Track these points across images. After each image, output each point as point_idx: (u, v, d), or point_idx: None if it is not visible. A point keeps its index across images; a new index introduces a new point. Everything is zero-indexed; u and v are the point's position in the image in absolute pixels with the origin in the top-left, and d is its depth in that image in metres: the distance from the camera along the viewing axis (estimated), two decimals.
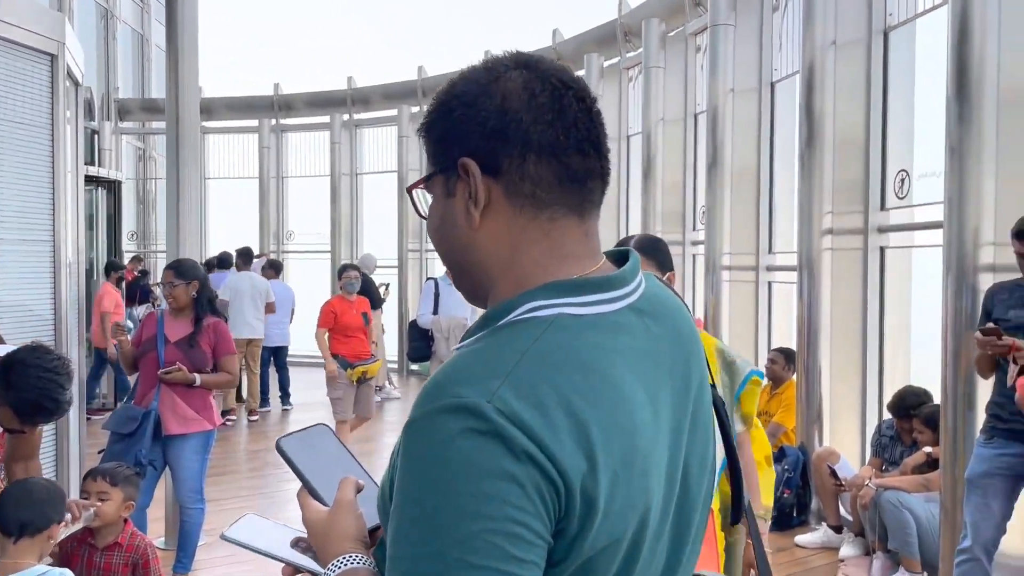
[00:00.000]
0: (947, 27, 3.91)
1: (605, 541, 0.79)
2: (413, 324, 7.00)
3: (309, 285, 12.18)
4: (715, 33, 6.65)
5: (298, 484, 0.99)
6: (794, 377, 5.63)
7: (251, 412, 8.64)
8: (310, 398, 9.17)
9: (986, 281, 3.70)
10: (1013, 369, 3.16)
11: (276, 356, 8.96)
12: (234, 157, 13.29)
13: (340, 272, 6.90)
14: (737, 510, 1.05)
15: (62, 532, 2.60)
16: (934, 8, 4.86)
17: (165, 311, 4.25)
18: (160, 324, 4.16)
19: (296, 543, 0.99)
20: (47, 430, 4.31)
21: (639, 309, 0.89)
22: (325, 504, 0.96)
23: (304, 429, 1.05)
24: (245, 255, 8.87)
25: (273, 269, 9.16)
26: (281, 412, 8.99)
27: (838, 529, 4.98)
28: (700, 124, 7.62)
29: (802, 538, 5.05)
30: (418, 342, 6.88)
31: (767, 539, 2.46)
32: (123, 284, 9.01)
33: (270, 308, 8.61)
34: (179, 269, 4.19)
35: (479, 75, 0.90)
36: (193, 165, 5.06)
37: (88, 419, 7.73)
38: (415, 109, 11.69)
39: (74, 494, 3.62)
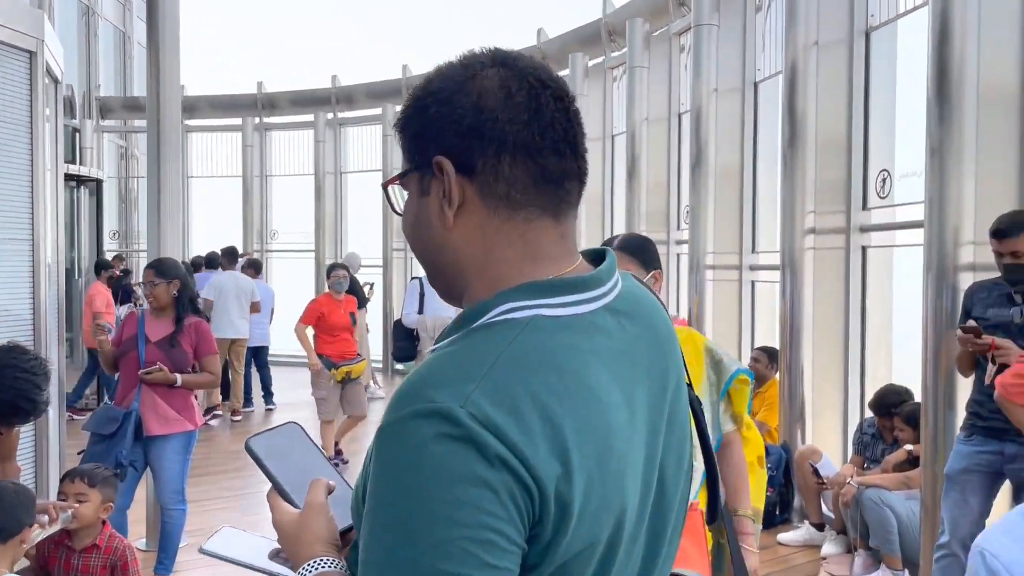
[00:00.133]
0: (928, 28, 3.94)
1: (580, 545, 0.78)
2: (398, 324, 6.98)
3: (293, 285, 12.14)
4: (699, 33, 6.67)
5: None
6: (777, 376, 5.66)
7: (234, 412, 8.60)
8: (294, 398, 9.13)
9: (966, 280, 3.73)
10: (992, 368, 3.19)
11: (257, 356, 8.93)
12: (217, 156, 13.21)
13: (328, 271, 6.87)
14: (713, 510, 1.05)
15: (39, 534, 2.57)
16: (915, 9, 4.90)
17: (146, 311, 4.21)
18: (140, 324, 4.13)
19: (276, 555, 0.98)
20: (26, 431, 4.26)
21: (615, 309, 0.89)
22: (296, 506, 0.95)
23: (274, 428, 1.03)
24: (230, 255, 8.83)
25: (253, 268, 9.11)
26: (265, 412, 8.95)
27: (820, 527, 5.01)
28: (684, 124, 7.64)
29: (785, 536, 5.07)
30: (403, 342, 6.87)
31: (758, 539, 2.44)
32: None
33: (255, 308, 8.57)
34: (160, 268, 4.16)
35: (455, 72, 0.89)
36: (175, 163, 5.02)
37: (71, 419, 7.69)
38: (400, 108, 11.64)
39: (53, 496, 3.58)
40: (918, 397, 4.27)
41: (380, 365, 11.45)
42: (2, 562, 2.29)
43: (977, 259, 3.78)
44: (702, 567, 2.27)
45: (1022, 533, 0.72)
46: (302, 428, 1.06)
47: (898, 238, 5.14)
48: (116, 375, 4.29)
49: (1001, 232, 3.25)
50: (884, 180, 5.13)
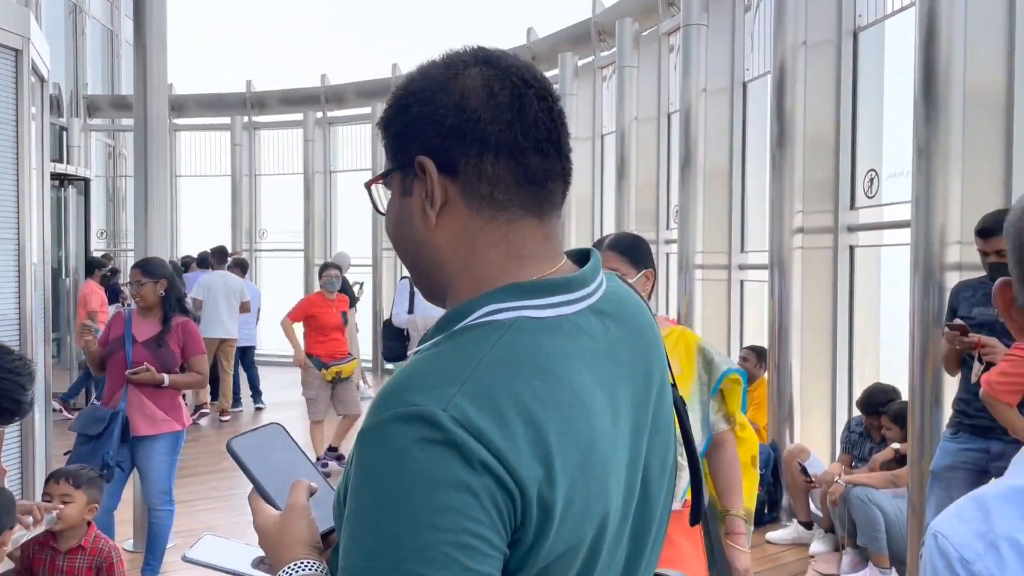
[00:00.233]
0: (915, 28, 3.96)
1: (562, 548, 0.78)
2: (387, 323, 6.96)
3: (282, 284, 12.10)
4: (688, 33, 6.68)
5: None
6: (765, 375, 5.67)
7: (223, 412, 8.57)
8: (284, 398, 9.11)
9: (953, 279, 3.75)
10: (978, 366, 3.21)
11: (243, 356, 8.90)
12: (206, 155, 13.15)
13: (321, 270, 6.85)
14: (696, 511, 1.05)
15: (24, 535, 2.55)
16: (902, 9, 4.92)
17: (133, 310, 4.19)
18: (128, 324, 4.11)
19: (259, 562, 0.97)
20: (12, 432, 4.23)
21: (599, 310, 0.88)
22: (277, 508, 0.94)
23: (256, 429, 1.02)
24: (219, 254, 8.79)
25: (239, 268, 9.07)
26: (254, 411, 8.92)
27: (808, 525, 5.02)
28: (673, 123, 7.65)
29: (773, 535, 5.09)
30: (393, 341, 6.84)
31: (749, 539, 2.44)
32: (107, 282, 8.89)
33: (245, 307, 8.54)
34: (146, 268, 4.13)
35: (438, 71, 0.88)
36: (162, 162, 5.00)
37: (63, 414, 7.64)
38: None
39: (38, 497, 3.55)
40: (905, 396, 4.29)
41: (369, 365, 11.43)
42: None
43: (963, 258, 3.80)
44: (698, 566, 2.27)
45: (971, 516, 0.75)
46: (284, 429, 1.05)
47: (885, 237, 5.16)
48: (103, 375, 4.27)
49: (986, 231, 3.27)
50: (872, 180, 5.15)
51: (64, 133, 11.44)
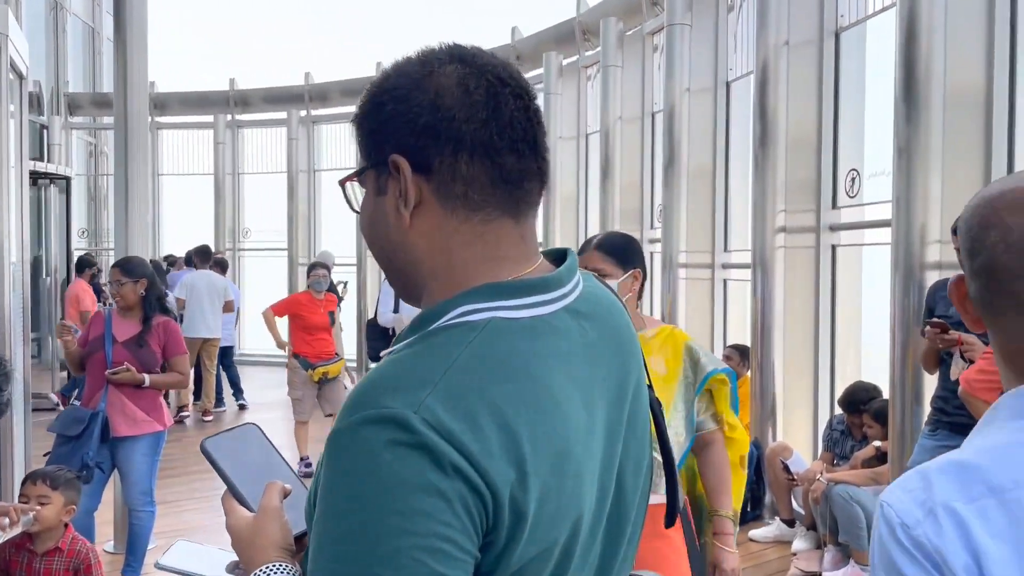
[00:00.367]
0: (895, 29, 3.98)
1: (535, 550, 0.77)
2: (372, 322, 6.93)
3: (266, 283, 12.04)
4: (672, 33, 6.69)
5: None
6: (748, 373, 5.69)
7: (205, 412, 8.52)
8: (268, 398, 9.07)
9: (933, 278, 3.77)
10: (962, 363, 3.23)
11: (223, 356, 8.85)
12: (189, 153, 13.06)
13: (309, 270, 6.81)
14: (671, 513, 1.04)
15: (0, 537, 2.52)
16: (883, 10, 4.94)
17: (113, 310, 4.15)
18: (107, 323, 4.07)
19: (234, 568, 0.96)
20: None
21: (575, 310, 0.88)
22: (251, 509, 0.93)
23: (231, 429, 1.01)
24: (203, 253, 8.73)
25: (219, 267, 9.01)
26: (237, 410, 8.87)
27: (791, 523, 5.05)
28: (657, 123, 7.67)
29: (756, 532, 5.11)
30: (377, 341, 6.82)
31: (735, 539, 2.44)
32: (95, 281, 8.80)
33: (228, 307, 8.49)
34: (126, 267, 4.10)
35: (413, 68, 0.87)
36: (142, 160, 4.96)
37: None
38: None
39: (16, 498, 3.52)
40: (886, 394, 4.32)
41: (354, 364, 11.39)
42: None
43: (943, 257, 3.83)
44: (676, 566, 2.26)
45: (914, 487, 0.81)
46: (260, 429, 1.04)
47: (867, 237, 5.20)
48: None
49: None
50: (853, 179, 5.18)
51: (45, 131, 11.34)
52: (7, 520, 2.49)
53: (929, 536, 0.78)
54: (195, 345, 7.96)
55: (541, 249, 0.94)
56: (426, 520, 0.71)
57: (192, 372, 7.86)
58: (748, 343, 5.75)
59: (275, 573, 0.86)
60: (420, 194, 0.86)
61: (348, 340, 10.61)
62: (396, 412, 0.73)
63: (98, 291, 9.26)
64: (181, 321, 7.68)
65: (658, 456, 1.06)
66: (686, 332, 2.52)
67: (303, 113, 12.32)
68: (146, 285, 4.07)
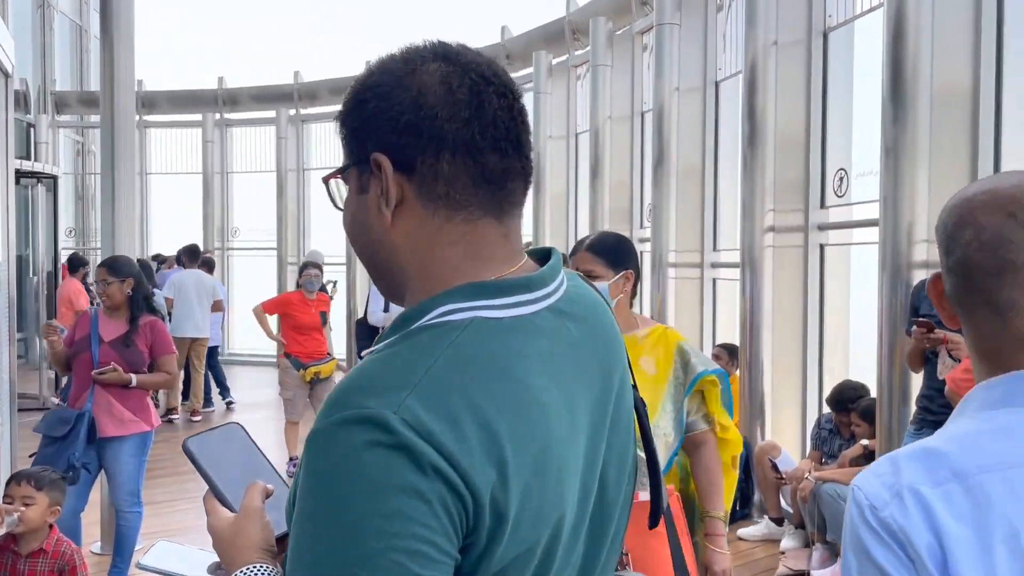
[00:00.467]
0: (883, 29, 4.00)
1: (516, 551, 0.77)
2: (361, 322, 6.92)
3: (255, 283, 11.99)
4: (661, 32, 6.70)
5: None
6: (737, 372, 5.71)
7: (193, 412, 8.48)
8: (258, 397, 9.04)
9: (920, 277, 3.79)
10: (949, 362, 3.24)
11: (208, 356, 8.82)
12: (177, 152, 13.00)
13: (301, 269, 6.78)
14: (655, 514, 1.04)
15: None
16: (871, 10, 4.96)
17: (99, 310, 4.13)
18: (94, 323, 4.05)
19: (216, 569, 0.95)
20: None
21: (559, 310, 0.87)
22: (232, 509, 0.92)
23: (214, 428, 1.00)
24: (191, 252, 8.69)
25: (206, 266, 8.97)
26: (225, 410, 8.84)
27: (779, 522, 5.06)
28: (647, 122, 7.68)
29: (744, 531, 5.12)
30: (367, 340, 6.81)
31: (726, 539, 2.43)
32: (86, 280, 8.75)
33: (217, 306, 8.45)
34: (113, 266, 4.07)
35: (396, 66, 0.86)
36: (129, 159, 4.93)
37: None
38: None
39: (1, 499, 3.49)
40: (874, 393, 4.34)
41: (344, 363, 11.37)
42: None
43: (930, 257, 3.85)
44: (660, 566, 2.26)
45: (884, 471, 0.84)
46: (244, 429, 1.03)
47: (855, 236, 5.21)
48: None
49: None
50: (841, 179, 5.20)
51: (32, 130, 11.27)
52: None
53: (895, 517, 0.81)
54: (184, 345, 7.93)
55: (528, 248, 0.94)
56: (405, 522, 0.70)
57: (180, 372, 7.82)
58: (737, 342, 5.76)
59: (256, 574, 0.85)
60: (402, 193, 0.85)
61: (337, 339, 10.59)
62: (375, 412, 0.72)
63: (87, 290, 9.23)
64: (169, 321, 7.65)
65: (643, 454, 1.06)
66: (677, 332, 2.51)
67: (292, 112, 12.28)
68: (133, 284, 4.05)
